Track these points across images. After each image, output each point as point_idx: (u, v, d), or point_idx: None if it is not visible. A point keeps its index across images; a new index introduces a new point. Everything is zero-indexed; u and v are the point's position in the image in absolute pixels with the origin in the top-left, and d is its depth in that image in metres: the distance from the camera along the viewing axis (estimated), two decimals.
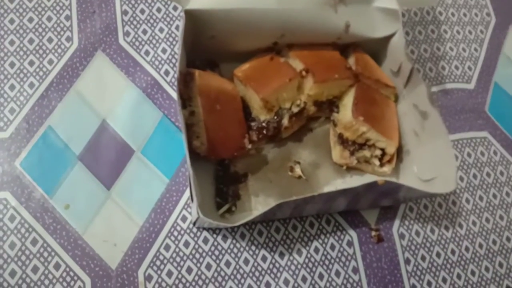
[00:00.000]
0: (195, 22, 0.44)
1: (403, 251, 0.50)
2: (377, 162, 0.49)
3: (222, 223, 0.40)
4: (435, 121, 0.45)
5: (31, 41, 0.49)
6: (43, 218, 0.44)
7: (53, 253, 0.43)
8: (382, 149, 0.49)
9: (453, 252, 0.51)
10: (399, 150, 0.50)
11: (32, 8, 0.50)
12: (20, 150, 0.45)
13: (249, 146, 0.46)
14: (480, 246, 0.52)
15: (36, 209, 0.44)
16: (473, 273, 0.51)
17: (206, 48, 0.48)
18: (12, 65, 0.48)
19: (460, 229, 0.52)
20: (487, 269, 0.51)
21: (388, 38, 0.50)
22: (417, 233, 0.51)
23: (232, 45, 0.48)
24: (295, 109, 0.48)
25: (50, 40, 0.50)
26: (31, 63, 0.48)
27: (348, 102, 0.49)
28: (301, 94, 0.48)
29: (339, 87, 0.49)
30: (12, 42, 0.49)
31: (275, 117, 0.48)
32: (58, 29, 0.50)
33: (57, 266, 0.43)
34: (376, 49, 0.52)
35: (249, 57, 0.50)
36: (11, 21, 0.49)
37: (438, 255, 0.51)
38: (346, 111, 0.49)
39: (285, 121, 0.48)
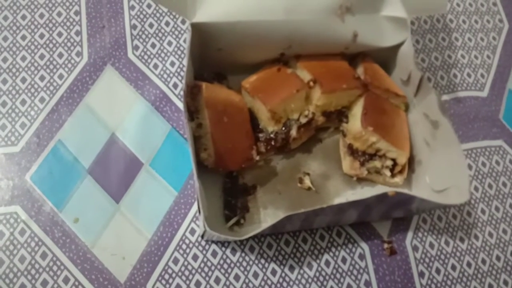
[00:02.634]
0: (202, 35, 0.44)
1: (417, 263, 0.48)
2: (388, 173, 0.48)
3: (230, 236, 0.40)
4: (446, 131, 0.44)
5: (42, 56, 0.50)
6: (53, 232, 0.44)
7: (62, 267, 0.43)
8: (393, 160, 0.48)
9: (469, 264, 0.50)
10: (411, 160, 0.49)
11: (43, 24, 0.51)
12: (31, 164, 0.46)
13: (257, 158, 0.46)
14: (498, 258, 0.51)
15: (45, 223, 0.44)
16: (490, 286, 0.49)
17: (213, 60, 0.48)
18: (23, 80, 0.49)
19: (476, 240, 0.51)
20: (505, 282, 0.50)
21: (397, 47, 0.50)
22: (431, 245, 0.49)
23: (240, 57, 0.48)
24: (303, 120, 0.47)
25: (60, 55, 0.50)
26: (42, 78, 0.49)
27: (357, 112, 0.48)
28: (309, 104, 0.48)
29: (347, 97, 0.49)
30: (23, 58, 0.50)
31: (283, 128, 0.47)
32: (69, 44, 0.51)
33: (66, 280, 0.43)
34: (385, 58, 0.51)
35: (256, 69, 0.50)
36: (23, 38, 0.50)
37: (453, 267, 0.49)
38: (355, 121, 0.48)
39: (293, 132, 0.47)
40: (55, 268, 0.43)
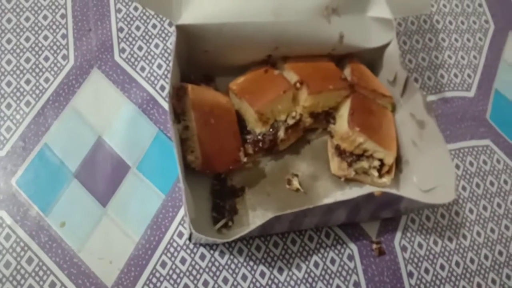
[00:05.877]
0: (187, 37, 0.44)
1: (406, 264, 0.49)
2: (375, 173, 0.48)
3: (218, 239, 0.40)
4: (432, 130, 0.45)
5: (27, 60, 0.50)
6: (39, 237, 0.43)
7: (48, 272, 0.43)
8: (381, 160, 0.48)
9: (457, 264, 0.50)
10: (398, 161, 0.50)
11: (29, 27, 0.51)
12: (16, 168, 0.45)
13: (245, 160, 0.46)
14: (486, 257, 0.51)
15: (31, 228, 0.44)
16: (479, 285, 0.49)
17: (200, 62, 0.48)
18: (9, 84, 0.48)
19: (464, 240, 0.51)
20: (493, 281, 0.50)
21: (383, 48, 0.50)
22: (420, 245, 0.50)
23: (226, 59, 0.48)
24: (290, 121, 0.47)
25: (46, 58, 0.50)
26: (28, 82, 0.49)
27: (344, 113, 0.48)
28: (296, 106, 0.48)
29: (334, 98, 0.49)
30: (9, 62, 0.49)
31: (271, 130, 0.47)
32: (55, 47, 0.51)
33: (52, 285, 0.42)
34: (372, 59, 0.52)
35: (244, 71, 0.50)
36: (8, 41, 0.50)
37: (442, 267, 0.49)
38: (342, 122, 0.48)
39: (281, 134, 0.47)
40: (41, 273, 0.42)
